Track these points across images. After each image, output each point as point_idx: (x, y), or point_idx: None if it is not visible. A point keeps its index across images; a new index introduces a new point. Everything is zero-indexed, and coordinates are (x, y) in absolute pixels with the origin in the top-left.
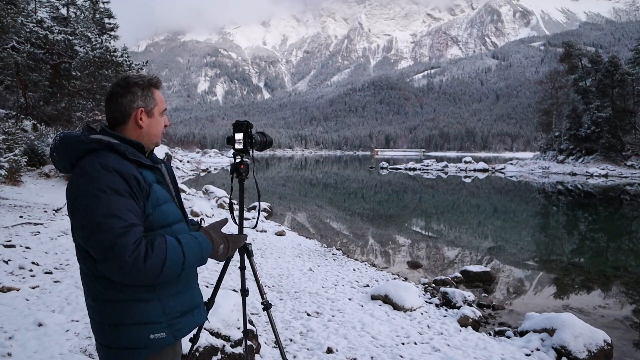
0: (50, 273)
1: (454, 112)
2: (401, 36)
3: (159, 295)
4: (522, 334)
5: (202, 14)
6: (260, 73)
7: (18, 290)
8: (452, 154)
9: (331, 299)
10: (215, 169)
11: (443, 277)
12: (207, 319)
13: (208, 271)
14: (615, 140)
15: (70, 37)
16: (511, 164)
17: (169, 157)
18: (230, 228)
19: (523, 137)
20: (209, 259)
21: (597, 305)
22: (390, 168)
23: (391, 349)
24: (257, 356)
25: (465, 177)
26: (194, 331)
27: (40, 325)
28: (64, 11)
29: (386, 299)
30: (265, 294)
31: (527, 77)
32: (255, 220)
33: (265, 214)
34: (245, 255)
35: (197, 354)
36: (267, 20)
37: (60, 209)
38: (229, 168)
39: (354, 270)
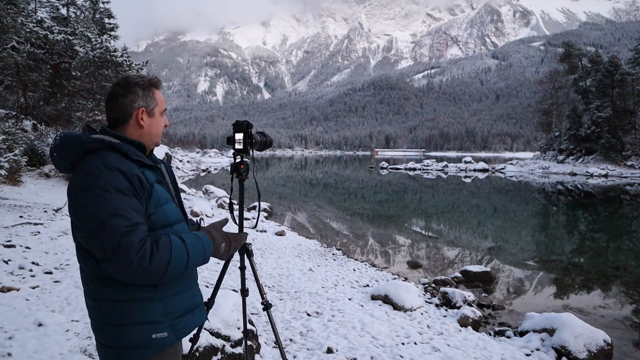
0: (50, 273)
1: (454, 112)
2: (401, 36)
3: (160, 294)
4: (522, 334)
5: (202, 14)
6: (260, 73)
7: (18, 290)
8: (452, 154)
9: (331, 299)
10: (215, 169)
11: (443, 277)
12: (207, 319)
13: (208, 271)
14: (615, 140)
15: (70, 37)
16: (511, 164)
17: (169, 157)
18: (231, 228)
19: (523, 137)
20: (211, 258)
21: (597, 305)
22: (390, 168)
23: (391, 349)
24: (257, 356)
25: (465, 177)
26: (194, 331)
27: (40, 325)
28: (64, 11)
29: (386, 299)
30: (265, 294)
31: (527, 77)
32: (255, 220)
33: (265, 214)
34: (245, 255)
35: (197, 354)
36: (267, 20)
37: (60, 209)
38: (229, 168)
39: (354, 270)
